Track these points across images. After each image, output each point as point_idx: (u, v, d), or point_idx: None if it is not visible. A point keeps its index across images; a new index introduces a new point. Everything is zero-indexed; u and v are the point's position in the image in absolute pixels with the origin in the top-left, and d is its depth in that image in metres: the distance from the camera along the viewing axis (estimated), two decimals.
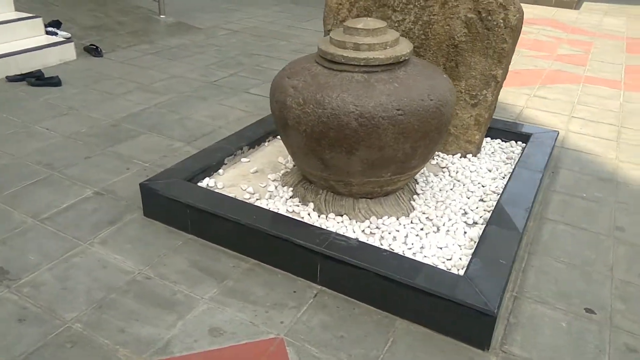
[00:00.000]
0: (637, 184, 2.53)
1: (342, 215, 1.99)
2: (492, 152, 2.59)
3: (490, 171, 2.39)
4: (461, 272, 1.69)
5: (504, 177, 2.35)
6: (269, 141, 2.56)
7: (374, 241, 1.85)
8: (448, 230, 1.93)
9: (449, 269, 1.72)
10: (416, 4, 2.30)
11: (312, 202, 2.04)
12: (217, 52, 4.39)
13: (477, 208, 2.08)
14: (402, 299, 1.59)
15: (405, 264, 1.64)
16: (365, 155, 1.79)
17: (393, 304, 1.62)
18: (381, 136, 1.74)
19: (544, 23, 6.13)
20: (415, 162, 1.90)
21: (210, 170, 2.22)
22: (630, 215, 2.26)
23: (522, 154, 2.48)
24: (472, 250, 1.81)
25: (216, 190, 2.10)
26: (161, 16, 5.33)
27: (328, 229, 1.89)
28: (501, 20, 2.17)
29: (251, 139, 2.47)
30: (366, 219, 1.98)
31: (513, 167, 2.41)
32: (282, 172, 2.28)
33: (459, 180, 2.29)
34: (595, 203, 2.35)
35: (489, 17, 2.18)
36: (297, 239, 1.72)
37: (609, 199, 2.39)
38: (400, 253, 1.77)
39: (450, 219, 1.99)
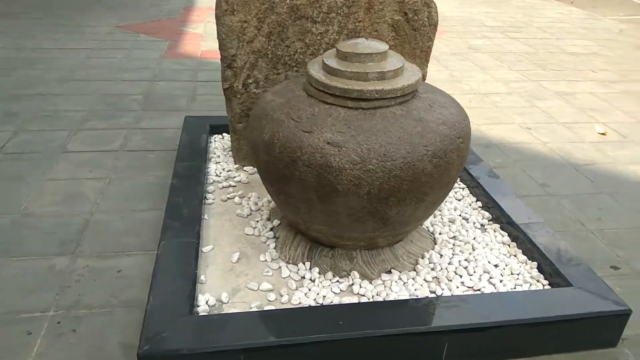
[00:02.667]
0: (507, 142, 2.94)
1: (389, 272, 1.69)
2: None
3: None
4: (545, 284, 1.67)
5: None
6: (205, 214, 1.94)
7: (446, 287, 1.64)
8: (480, 244, 1.86)
9: (530, 285, 1.67)
10: (339, 12, 2.04)
11: (352, 269, 1.66)
12: None
13: (466, 208, 2.07)
14: (537, 337, 1.47)
15: (531, 300, 1.51)
16: (433, 199, 1.54)
17: (529, 347, 1.49)
18: (450, 172, 1.52)
19: None
20: None
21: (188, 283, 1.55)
22: (536, 170, 2.62)
23: None
24: (519, 255, 1.80)
25: (235, 310, 1.49)
26: None
27: (399, 295, 1.58)
28: (426, 19, 2.12)
29: (190, 216, 1.82)
30: (412, 264, 1.73)
31: None
32: (271, 246, 1.77)
33: None
34: (506, 169, 2.63)
35: (416, 17, 2.10)
36: (417, 325, 1.38)
37: (508, 162, 2.71)
38: (486, 289, 1.63)
39: (467, 231, 1.93)
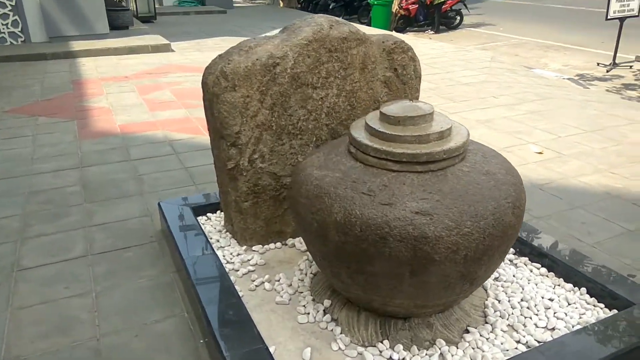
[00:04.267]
0: None
1: (467, 331, 1.63)
2: None
3: None
4: (601, 306, 1.74)
5: None
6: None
7: (526, 333, 1.62)
8: (522, 280, 1.89)
9: (592, 311, 1.73)
10: (337, 75, 2.00)
11: (434, 337, 1.57)
12: None
13: None
14: None
15: (615, 328, 1.55)
16: (510, 249, 1.53)
17: None
18: (522, 219, 1.52)
19: (187, 70, 6.13)
20: None
21: None
22: None
23: None
24: (563, 283, 1.86)
25: None
26: None
27: (494, 355, 1.53)
28: (412, 72, 2.17)
29: (238, 317, 1.60)
30: (481, 317, 1.70)
31: None
32: (337, 332, 1.62)
33: None
34: None
35: (404, 72, 2.14)
36: None
37: None
38: (559, 326, 1.65)
39: (504, 270, 1.95)
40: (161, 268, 2.13)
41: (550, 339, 1.59)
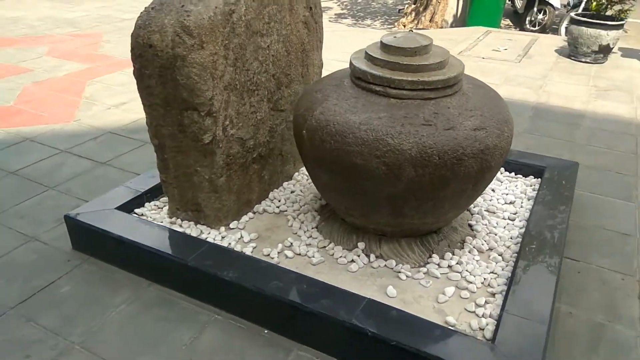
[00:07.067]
0: None
1: (470, 225, 1.91)
2: None
3: None
4: (520, 177, 2.25)
5: None
6: None
7: (502, 210, 2.01)
8: None
9: (519, 180, 2.22)
10: (275, 19, 1.87)
11: (463, 239, 1.79)
12: None
13: None
14: None
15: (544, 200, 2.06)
16: None
17: None
18: None
19: None
20: None
21: None
22: None
23: None
24: None
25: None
26: None
27: (502, 237, 1.86)
28: (320, 10, 2.17)
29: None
30: (467, 211, 2.00)
31: None
32: (397, 265, 1.67)
33: None
34: None
35: (316, 10, 2.13)
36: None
37: None
38: (521, 192, 2.08)
39: None
40: (129, 288, 1.71)
41: (516, 209, 2.01)
